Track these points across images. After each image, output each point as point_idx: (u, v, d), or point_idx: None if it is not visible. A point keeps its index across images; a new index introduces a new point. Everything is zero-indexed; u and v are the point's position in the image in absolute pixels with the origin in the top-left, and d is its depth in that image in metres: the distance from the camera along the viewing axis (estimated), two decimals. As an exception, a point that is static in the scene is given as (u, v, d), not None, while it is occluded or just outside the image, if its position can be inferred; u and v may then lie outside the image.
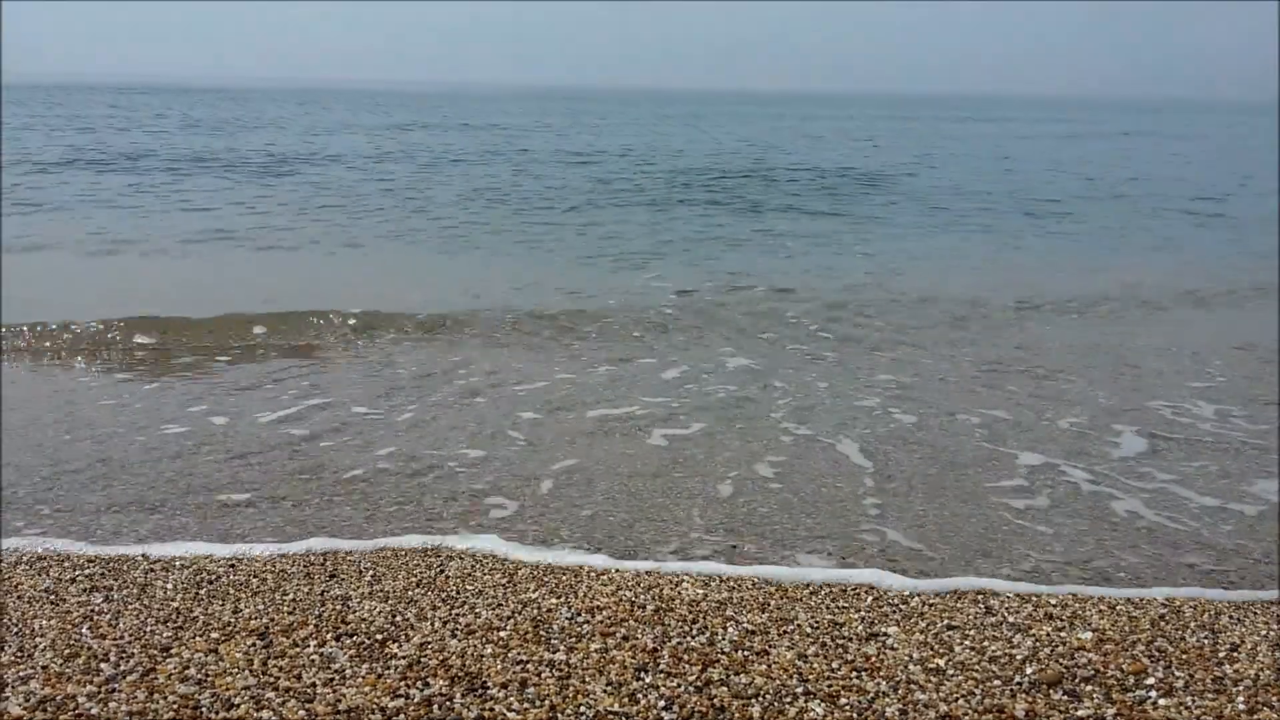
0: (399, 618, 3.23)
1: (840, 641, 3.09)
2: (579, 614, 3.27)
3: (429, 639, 3.07)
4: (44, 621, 3.18)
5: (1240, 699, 2.77)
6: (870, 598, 3.46)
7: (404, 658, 2.95)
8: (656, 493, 4.56)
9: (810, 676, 2.86)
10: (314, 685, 2.78)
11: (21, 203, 14.31)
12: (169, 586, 3.48)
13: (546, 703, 2.70)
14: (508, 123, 43.94)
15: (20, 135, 27.73)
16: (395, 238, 12.33)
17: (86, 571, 3.61)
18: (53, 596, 3.38)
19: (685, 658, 2.96)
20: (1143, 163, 28.74)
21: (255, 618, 3.22)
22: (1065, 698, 2.76)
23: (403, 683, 2.80)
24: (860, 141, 36.34)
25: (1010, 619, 3.29)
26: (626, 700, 2.72)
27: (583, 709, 2.68)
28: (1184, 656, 3.03)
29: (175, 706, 2.66)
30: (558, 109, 66.80)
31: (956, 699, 2.75)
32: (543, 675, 2.85)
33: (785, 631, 3.15)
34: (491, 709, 2.67)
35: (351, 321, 7.54)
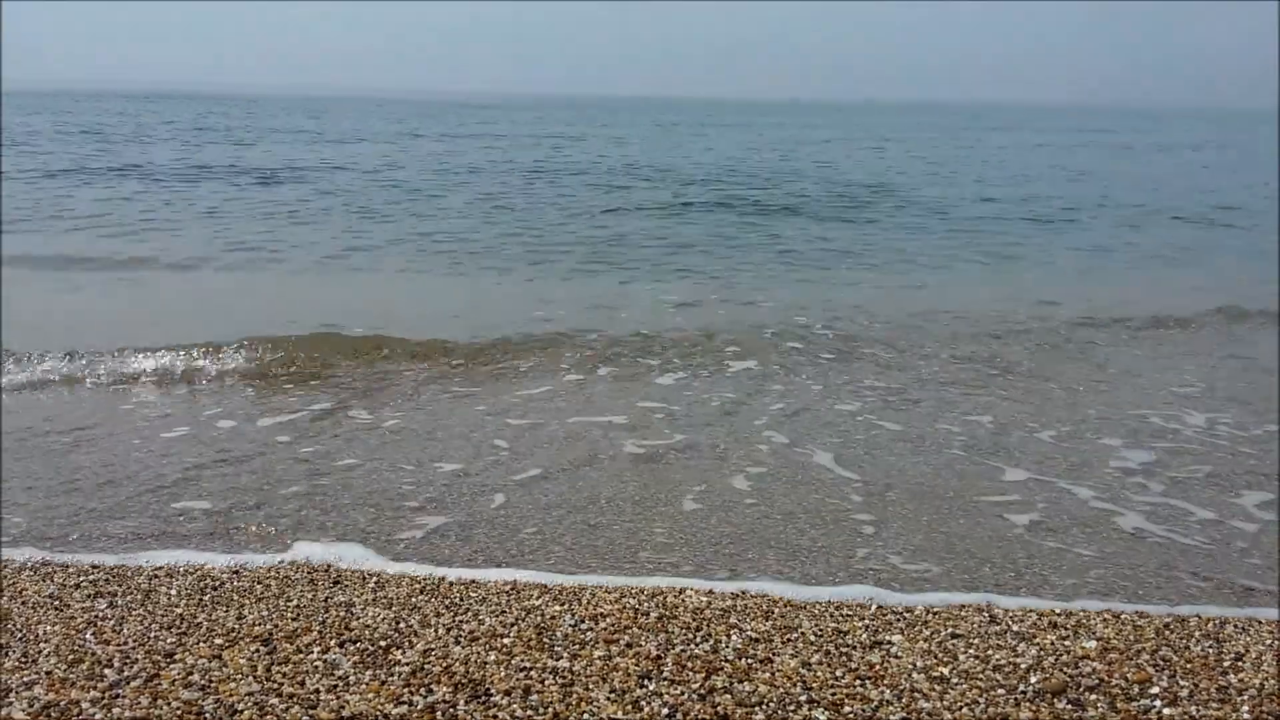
0: (402, 624, 3.23)
1: (844, 649, 3.09)
2: (582, 621, 3.26)
3: (432, 645, 3.07)
4: (48, 627, 3.18)
5: (1245, 709, 2.76)
6: (874, 606, 3.46)
7: (407, 664, 2.95)
8: (645, 504, 4.56)
9: (814, 685, 2.86)
10: (317, 691, 2.78)
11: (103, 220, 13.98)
12: (173, 592, 3.48)
13: (550, 710, 2.70)
14: (520, 132, 43.74)
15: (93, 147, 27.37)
16: (424, 257, 11.91)
17: (90, 577, 3.61)
18: (57, 602, 3.38)
19: (689, 665, 2.96)
20: (1163, 172, 28.43)
21: (259, 624, 3.23)
22: (1069, 707, 2.76)
23: (406, 689, 2.80)
24: (869, 150, 36.14)
25: (1014, 628, 3.28)
26: (630, 708, 2.72)
27: (586, 716, 2.67)
28: (1188, 666, 3.02)
29: (179, 712, 2.66)
30: (564, 117, 66.61)
31: (960, 707, 2.75)
32: (546, 682, 2.85)
33: (789, 639, 3.15)
34: (495, 716, 2.67)
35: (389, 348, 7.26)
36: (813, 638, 3.17)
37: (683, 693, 2.80)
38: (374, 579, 3.63)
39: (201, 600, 3.42)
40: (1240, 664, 3.04)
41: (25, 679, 2.83)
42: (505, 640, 3.12)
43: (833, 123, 69.08)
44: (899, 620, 3.33)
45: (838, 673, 2.93)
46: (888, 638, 3.18)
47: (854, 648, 3.10)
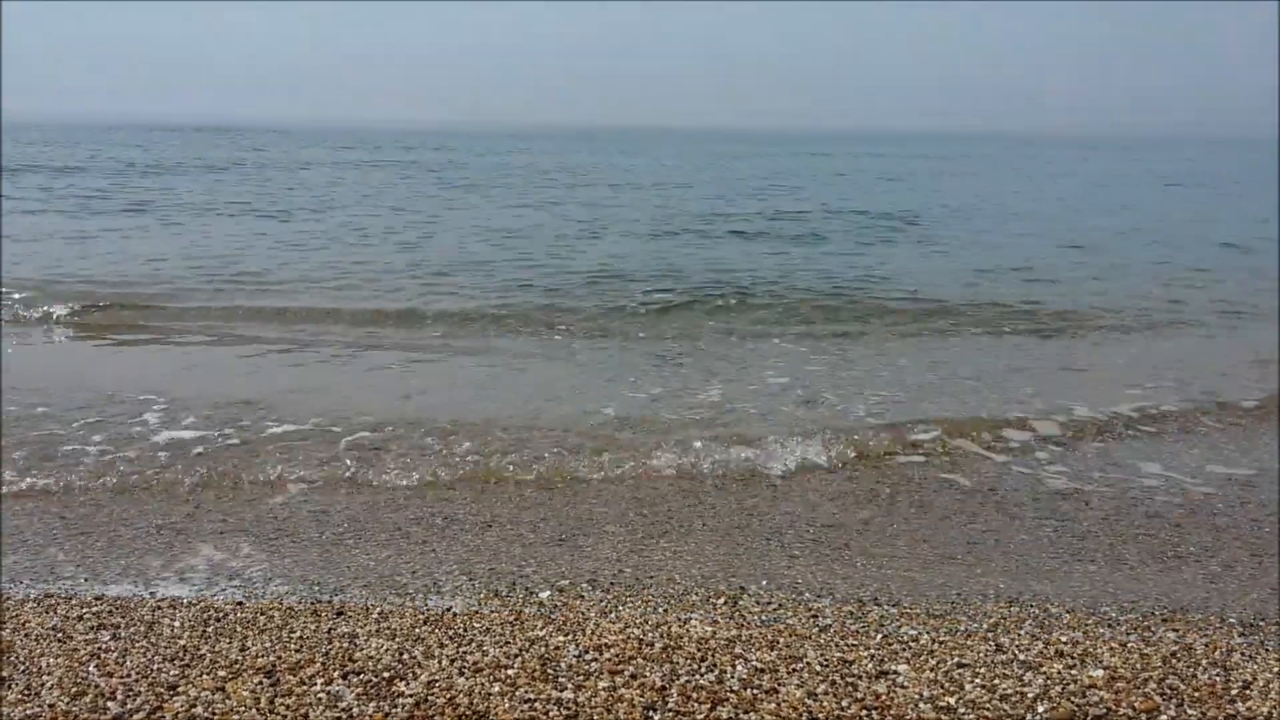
0: (406, 655, 3.22)
1: (850, 680, 3.07)
2: (586, 651, 3.25)
3: (436, 677, 3.06)
4: (51, 659, 3.17)
5: (1254, 737, 2.74)
6: (880, 635, 3.45)
7: (411, 696, 2.94)
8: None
9: (820, 715, 2.84)
10: (321, 724, 2.77)
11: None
12: (176, 624, 3.47)
13: (555, 741, 2.68)
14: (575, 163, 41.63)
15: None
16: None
17: (94, 609, 3.60)
18: (60, 634, 3.38)
19: (694, 696, 2.95)
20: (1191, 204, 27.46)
21: (262, 655, 3.21)
22: (1077, 736, 2.74)
23: (410, 721, 2.79)
24: (898, 182, 34.81)
25: (1021, 657, 3.26)
26: (635, 739, 2.70)
27: (591, 748, 2.66)
28: (1196, 694, 3.00)
29: (182, 745, 2.64)
30: (582, 147, 63.44)
31: (968, 738, 2.72)
32: (551, 714, 2.84)
33: (794, 669, 3.14)
34: (500, 748, 2.65)
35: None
36: (818, 667, 3.15)
37: (688, 723, 2.78)
38: (377, 610, 3.62)
39: (205, 632, 3.41)
40: (1248, 691, 3.02)
41: (28, 712, 2.82)
42: (509, 671, 3.10)
43: (852, 151, 66.30)
44: (905, 650, 3.31)
45: (844, 703, 2.91)
46: (894, 667, 3.17)
47: (860, 677, 3.09)
